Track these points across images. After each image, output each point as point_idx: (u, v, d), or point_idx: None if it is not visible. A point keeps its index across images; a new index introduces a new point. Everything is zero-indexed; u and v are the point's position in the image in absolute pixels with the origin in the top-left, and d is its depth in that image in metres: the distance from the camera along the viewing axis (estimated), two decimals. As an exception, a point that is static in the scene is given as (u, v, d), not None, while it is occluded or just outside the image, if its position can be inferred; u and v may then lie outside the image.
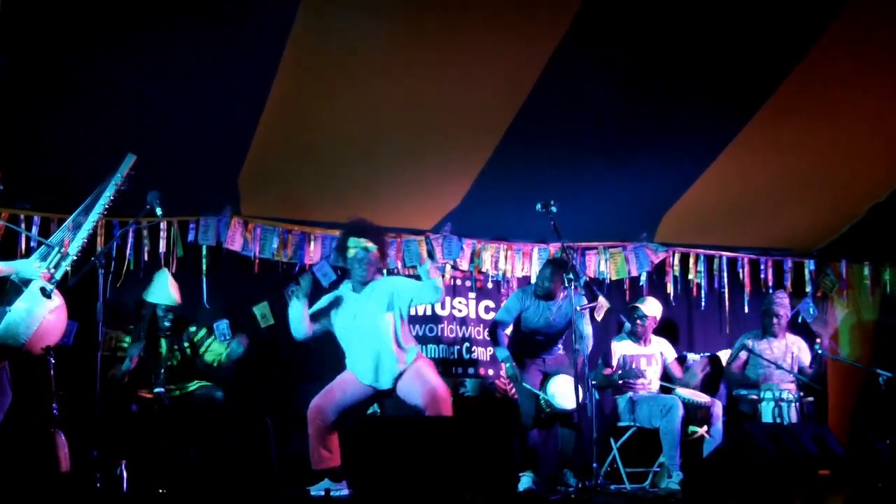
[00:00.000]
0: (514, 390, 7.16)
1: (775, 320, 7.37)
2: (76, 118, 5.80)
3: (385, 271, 7.32)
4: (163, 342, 6.23)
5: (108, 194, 5.11)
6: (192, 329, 6.37)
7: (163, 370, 6.13)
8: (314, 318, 5.98)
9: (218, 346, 6.29)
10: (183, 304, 6.34)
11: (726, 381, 7.54)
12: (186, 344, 6.29)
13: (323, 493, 5.55)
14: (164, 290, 6.20)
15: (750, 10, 5.63)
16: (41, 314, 4.87)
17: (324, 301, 6.09)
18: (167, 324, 6.20)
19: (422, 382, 5.82)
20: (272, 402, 6.47)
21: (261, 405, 6.25)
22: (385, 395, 5.98)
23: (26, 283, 4.94)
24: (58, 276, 5.01)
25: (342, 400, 5.85)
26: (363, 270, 5.93)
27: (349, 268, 6.03)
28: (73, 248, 5.07)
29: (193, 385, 6.21)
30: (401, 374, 5.89)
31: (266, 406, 6.26)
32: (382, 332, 5.89)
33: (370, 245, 5.93)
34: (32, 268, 4.97)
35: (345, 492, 5.66)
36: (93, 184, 5.19)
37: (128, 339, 6.25)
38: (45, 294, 4.91)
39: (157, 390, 6.05)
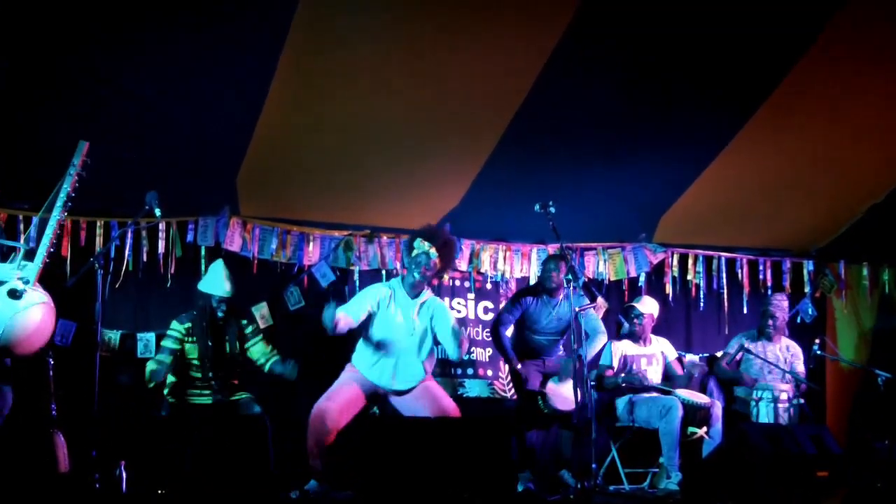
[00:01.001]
0: (513, 391, 7.16)
1: (770, 321, 7.37)
2: (75, 118, 5.80)
3: (384, 273, 7.34)
4: (221, 332, 6.17)
5: (66, 186, 5.04)
6: (244, 322, 6.33)
7: (210, 361, 6.08)
8: (355, 311, 5.88)
9: (262, 347, 6.28)
10: (235, 297, 6.29)
11: (716, 377, 7.53)
12: (236, 336, 6.24)
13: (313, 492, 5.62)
14: (219, 280, 6.17)
15: (748, 11, 5.64)
16: (7, 315, 4.79)
17: (367, 300, 5.95)
18: (220, 314, 6.15)
19: (430, 400, 5.86)
20: (270, 402, 6.46)
21: (259, 405, 6.24)
22: (384, 397, 5.99)
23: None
24: (30, 275, 4.92)
25: (346, 405, 5.84)
26: (418, 274, 5.88)
27: (406, 268, 5.99)
28: (43, 246, 4.98)
29: (238, 395, 6.19)
30: (409, 389, 5.92)
31: (264, 406, 6.25)
32: (418, 347, 5.92)
33: (433, 251, 5.87)
34: (6, 270, 4.92)
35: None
36: (91, 183, 5.16)
37: (175, 324, 6.20)
38: (15, 295, 4.85)
39: (214, 382, 6.03)
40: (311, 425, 5.74)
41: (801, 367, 7.37)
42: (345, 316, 5.72)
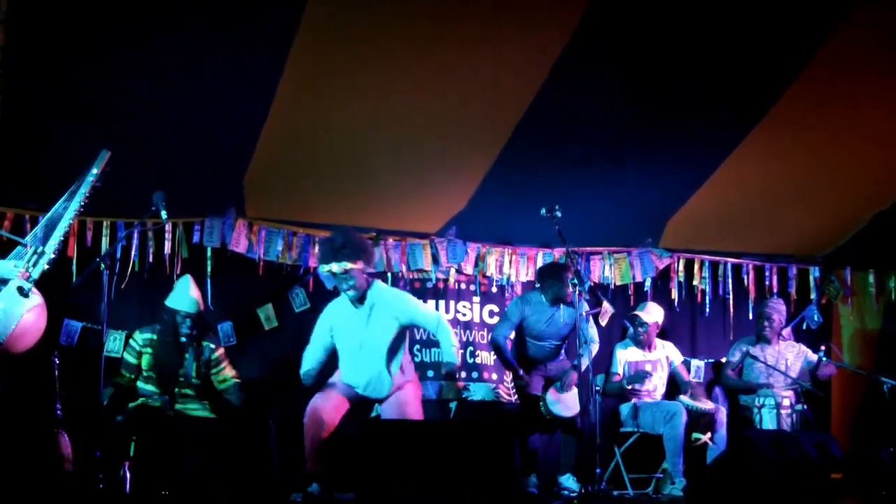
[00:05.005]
0: (517, 396, 7.15)
1: (766, 324, 7.37)
2: (82, 118, 5.81)
3: (390, 276, 7.34)
4: (181, 350, 6.09)
5: (83, 191, 5.02)
6: (212, 346, 6.23)
7: (179, 378, 6.00)
8: (319, 351, 5.99)
9: (224, 375, 6.20)
10: (204, 312, 6.25)
11: (723, 387, 7.53)
12: (194, 357, 6.12)
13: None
14: (185, 295, 6.13)
15: (754, 20, 5.63)
16: (18, 313, 4.76)
17: (324, 330, 5.99)
18: (185, 330, 6.08)
19: (396, 409, 5.83)
20: (274, 404, 6.47)
21: (263, 407, 6.25)
22: (366, 401, 6.02)
23: (5, 282, 4.88)
24: (35, 274, 4.91)
25: (338, 403, 5.85)
26: (348, 288, 5.76)
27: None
28: (51, 247, 4.96)
29: (194, 410, 6.08)
30: (390, 394, 5.91)
31: (268, 408, 6.27)
32: (384, 353, 5.86)
33: (335, 268, 5.68)
34: (9, 267, 4.89)
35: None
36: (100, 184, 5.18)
37: (137, 333, 6.16)
38: (23, 293, 4.84)
39: (163, 398, 5.93)
40: (306, 424, 5.76)
41: (813, 357, 7.33)
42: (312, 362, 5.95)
